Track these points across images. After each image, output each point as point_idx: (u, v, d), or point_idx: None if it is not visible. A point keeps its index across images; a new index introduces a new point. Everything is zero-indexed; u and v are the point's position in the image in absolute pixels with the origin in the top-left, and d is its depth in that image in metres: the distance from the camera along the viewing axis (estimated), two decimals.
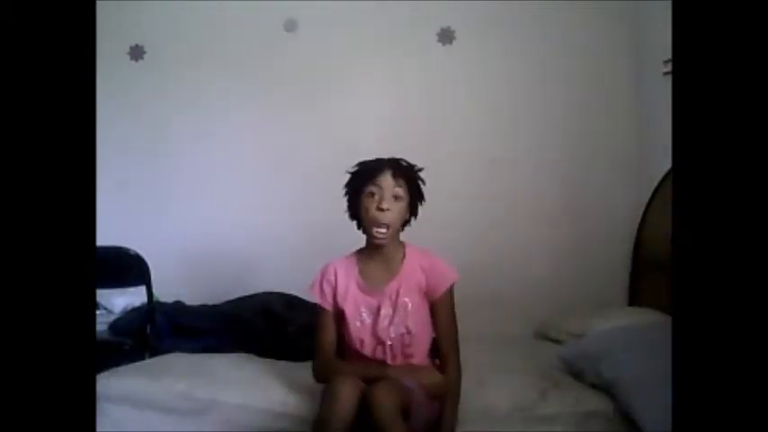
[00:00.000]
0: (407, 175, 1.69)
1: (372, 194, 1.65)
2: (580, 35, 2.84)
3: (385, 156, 1.70)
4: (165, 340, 2.29)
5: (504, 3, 2.85)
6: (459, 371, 1.65)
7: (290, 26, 2.97)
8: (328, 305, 1.72)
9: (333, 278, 1.73)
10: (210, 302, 2.53)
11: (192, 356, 2.12)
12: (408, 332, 1.66)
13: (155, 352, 2.23)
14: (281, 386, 1.81)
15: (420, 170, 1.72)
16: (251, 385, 1.84)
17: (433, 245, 2.82)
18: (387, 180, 1.65)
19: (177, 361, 2.08)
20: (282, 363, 2.05)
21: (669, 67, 2.36)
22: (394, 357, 1.67)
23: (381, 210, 1.63)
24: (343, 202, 1.73)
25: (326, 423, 1.43)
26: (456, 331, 1.71)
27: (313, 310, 2.36)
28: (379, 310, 1.68)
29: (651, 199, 2.57)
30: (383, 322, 1.67)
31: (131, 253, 2.29)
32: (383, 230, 1.65)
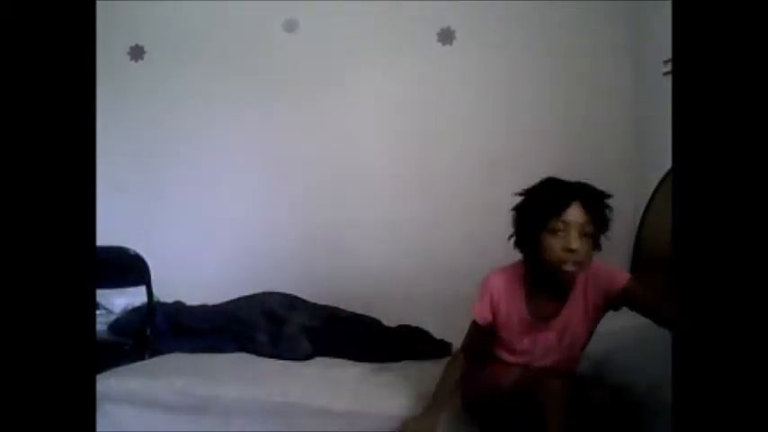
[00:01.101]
0: (597, 206, 1.47)
1: (556, 231, 1.43)
2: (580, 35, 2.83)
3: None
4: (165, 340, 2.30)
5: (504, 3, 2.85)
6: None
7: (290, 26, 2.97)
8: (485, 322, 1.57)
9: (497, 298, 1.55)
10: (210, 302, 2.53)
11: (192, 356, 2.13)
12: (567, 353, 1.57)
13: (155, 352, 2.23)
14: (281, 384, 1.81)
15: (609, 197, 1.50)
16: (251, 383, 1.84)
17: (433, 245, 2.87)
18: (575, 214, 1.43)
19: (177, 361, 2.09)
20: (282, 362, 2.06)
21: (669, 67, 2.36)
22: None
23: (571, 251, 1.42)
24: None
25: None
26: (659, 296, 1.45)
27: (313, 310, 2.40)
28: (543, 340, 1.56)
29: (651, 199, 2.56)
30: (544, 351, 1.56)
31: (131, 253, 2.30)
32: (572, 268, 1.45)
